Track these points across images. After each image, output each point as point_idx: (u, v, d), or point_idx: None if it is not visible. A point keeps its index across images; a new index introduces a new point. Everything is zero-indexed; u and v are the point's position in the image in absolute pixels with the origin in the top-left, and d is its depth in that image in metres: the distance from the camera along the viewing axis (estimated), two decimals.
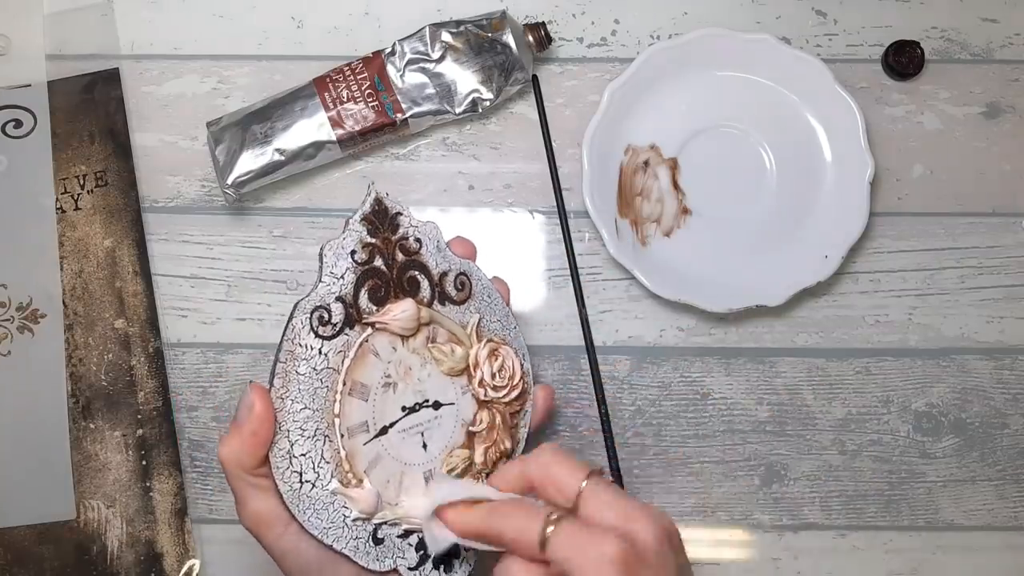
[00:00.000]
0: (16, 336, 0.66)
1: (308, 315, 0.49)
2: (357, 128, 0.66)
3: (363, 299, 0.50)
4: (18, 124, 0.68)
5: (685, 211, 0.68)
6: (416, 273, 0.52)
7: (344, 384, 0.50)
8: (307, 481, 0.48)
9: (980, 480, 0.66)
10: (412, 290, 0.52)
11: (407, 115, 0.67)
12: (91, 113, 0.69)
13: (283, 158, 0.66)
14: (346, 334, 0.50)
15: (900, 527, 0.66)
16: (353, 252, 0.50)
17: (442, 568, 0.51)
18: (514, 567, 0.43)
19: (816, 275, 0.66)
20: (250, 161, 0.65)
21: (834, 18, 0.72)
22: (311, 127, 0.66)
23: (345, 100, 0.66)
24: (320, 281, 0.50)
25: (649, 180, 0.68)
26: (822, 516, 0.66)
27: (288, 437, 0.48)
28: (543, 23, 0.69)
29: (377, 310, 0.51)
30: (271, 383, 0.48)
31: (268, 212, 0.69)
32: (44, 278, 0.67)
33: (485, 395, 0.53)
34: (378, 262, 0.51)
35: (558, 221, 0.69)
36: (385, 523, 0.50)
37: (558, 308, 0.68)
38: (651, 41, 0.71)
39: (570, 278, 0.68)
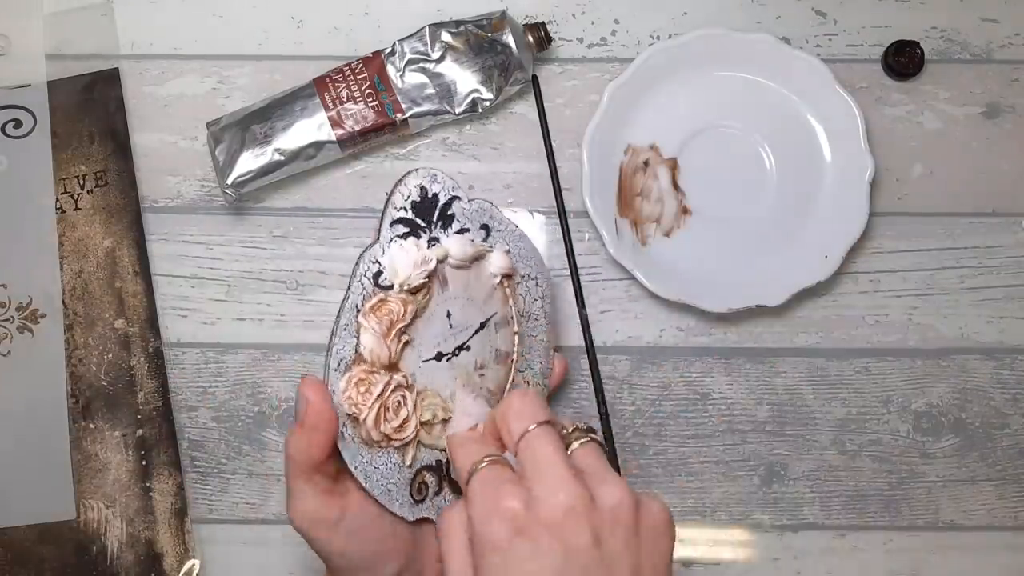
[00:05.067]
0: (16, 336, 0.66)
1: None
2: (357, 128, 0.66)
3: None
4: (18, 124, 0.68)
5: (685, 211, 0.68)
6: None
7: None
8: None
9: (980, 480, 0.66)
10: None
11: (407, 115, 0.67)
12: (91, 113, 0.69)
13: (283, 158, 0.66)
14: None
15: (900, 527, 0.66)
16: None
17: None
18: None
19: (816, 275, 0.66)
20: (250, 161, 0.65)
21: (834, 18, 0.71)
22: (311, 127, 0.66)
23: (345, 100, 0.66)
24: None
25: (649, 180, 0.68)
26: (822, 516, 0.66)
27: None
28: (543, 23, 0.69)
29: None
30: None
31: (268, 212, 0.69)
32: (44, 278, 0.67)
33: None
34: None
35: (558, 221, 0.69)
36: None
37: (558, 308, 0.68)
38: (651, 41, 0.71)
39: (570, 278, 0.68)
